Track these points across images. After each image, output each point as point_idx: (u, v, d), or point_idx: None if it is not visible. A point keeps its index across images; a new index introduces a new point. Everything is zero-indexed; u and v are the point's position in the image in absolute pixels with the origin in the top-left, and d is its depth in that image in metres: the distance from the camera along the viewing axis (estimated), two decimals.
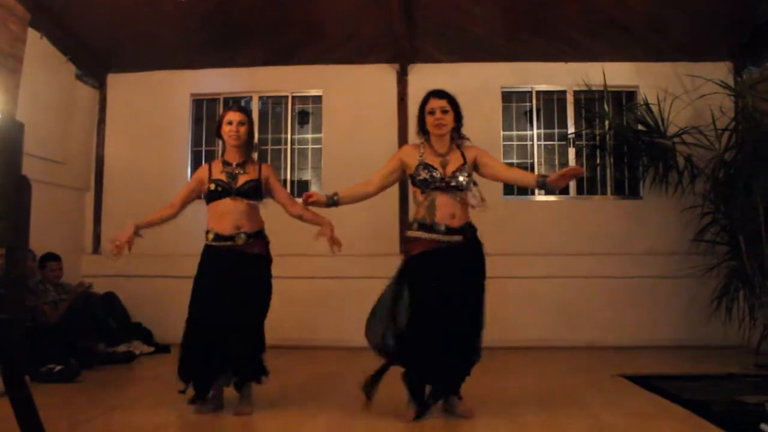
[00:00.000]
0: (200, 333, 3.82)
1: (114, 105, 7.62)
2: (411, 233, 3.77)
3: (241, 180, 3.96)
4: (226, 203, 3.92)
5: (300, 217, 4.06)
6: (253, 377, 3.93)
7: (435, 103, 3.78)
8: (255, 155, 4.19)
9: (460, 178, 3.71)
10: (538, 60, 7.28)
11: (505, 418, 3.65)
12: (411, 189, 3.92)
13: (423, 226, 3.71)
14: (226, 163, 4.03)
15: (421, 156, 3.79)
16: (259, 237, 3.99)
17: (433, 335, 3.59)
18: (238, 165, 4.01)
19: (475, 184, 3.80)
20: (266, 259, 4.02)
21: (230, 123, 3.98)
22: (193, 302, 3.88)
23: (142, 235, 3.96)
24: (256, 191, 3.99)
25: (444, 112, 3.76)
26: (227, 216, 3.91)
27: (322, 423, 3.64)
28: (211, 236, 3.93)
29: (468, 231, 3.74)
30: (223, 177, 3.97)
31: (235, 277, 3.85)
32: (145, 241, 4.00)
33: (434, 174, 3.71)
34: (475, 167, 3.83)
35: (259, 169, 4.06)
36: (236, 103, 7.50)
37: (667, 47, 6.99)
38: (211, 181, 3.98)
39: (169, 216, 4.07)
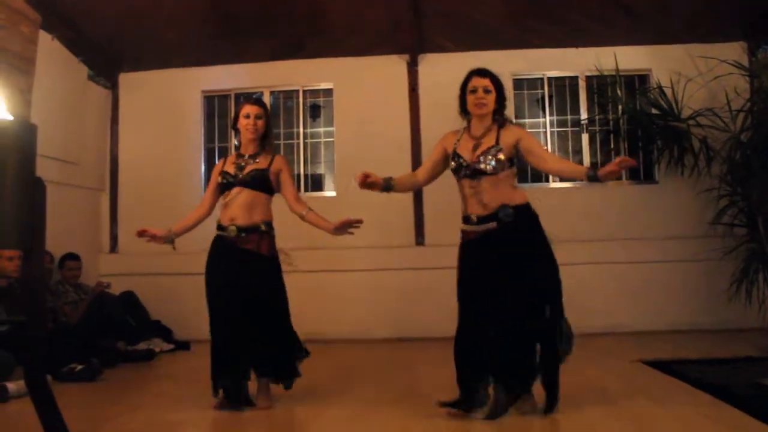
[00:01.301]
0: (217, 325, 3.84)
1: (126, 104, 7.65)
2: (461, 226, 3.64)
3: (247, 169, 3.92)
4: (232, 194, 3.90)
5: (302, 217, 3.92)
6: (272, 375, 3.90)
7: (477, 82, 3.58)
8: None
9: (484, 164, 3.49)
10: (548, 46, 7.22)
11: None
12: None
13: (463, 218, 3.60)
14: (239, 155, 4.02)
15: (456, 142, 3.64)
16: (255, 232, 3.86)
17: (475, 329, 3.48)
18: (250, 156, 3.99)
19: (511, 166, 3.58)
20: (264, 258, 3.87)
21: (247, 116, 3.94)
22: (206, 294, 3.90)
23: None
24: (261, 181, 3.90)
25: (486, 91, 3.56)
26: (229, 206, 3.89)
27: (340, 415, 3.65)
28: (216, 226, 3.96)
29: (503, 215, 3.49)
30: (231, 169, 3.96)
31: (231, 270, 3.81)
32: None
33: (460, 161, 3.56)
34: (519, 151, 3.58)
35: (271, 160, 3.98)
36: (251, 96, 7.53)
37: (678, 29, 6.91)
38: (220, 173, 3.98)
39: (202, 215, 4.07)
